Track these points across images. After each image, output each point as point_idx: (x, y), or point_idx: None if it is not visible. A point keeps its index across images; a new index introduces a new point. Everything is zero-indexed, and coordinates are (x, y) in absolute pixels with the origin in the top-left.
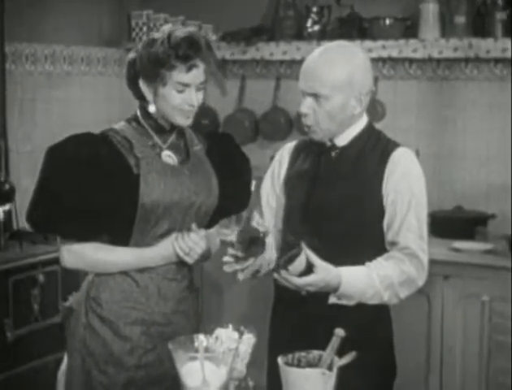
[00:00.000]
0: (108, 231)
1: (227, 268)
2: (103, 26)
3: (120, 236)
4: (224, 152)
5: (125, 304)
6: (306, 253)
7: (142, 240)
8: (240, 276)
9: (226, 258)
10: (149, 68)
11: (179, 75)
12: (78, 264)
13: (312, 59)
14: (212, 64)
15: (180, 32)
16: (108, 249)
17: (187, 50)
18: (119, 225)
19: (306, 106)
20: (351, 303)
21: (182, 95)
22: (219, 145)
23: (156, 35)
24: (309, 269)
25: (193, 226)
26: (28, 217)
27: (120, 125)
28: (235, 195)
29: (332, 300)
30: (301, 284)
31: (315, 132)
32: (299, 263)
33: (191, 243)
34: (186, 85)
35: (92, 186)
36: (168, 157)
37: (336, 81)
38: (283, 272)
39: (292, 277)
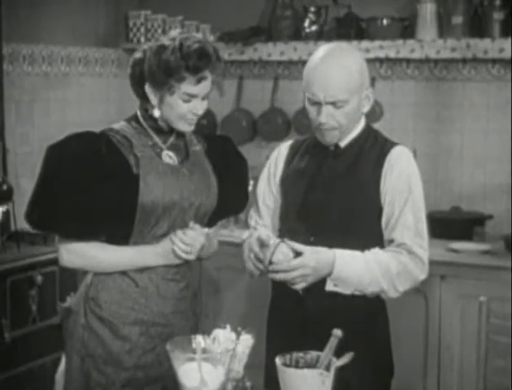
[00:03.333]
0: (107, 230)
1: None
2: (100, 26)
3: (119, 236)
4: (223, 154)
5: (124, 304)
6: (290, 244)
7: (142, 239)
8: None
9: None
10: (158, 76)
11: (187, 86)
12: (78, 263)
13: (322, 67)
14: (219, 74)
15: (192, 41)
16: (108, 247)
17: (197, 62)
18: (119, 224)
19: (326, 114)
20: (348, 291)
21: (188, 104)
22: (218, 147)
23: (166, 41)
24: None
25: (191, 223)
26: (27, 215)
27: (120, 125)
28: (233, 197)
29: (329, 287)
30: (292, 267)
31: (334, 136)
32: (283, 255)
33: (189, 240)
34: (193, 96)
35: (92, 185)
36: (168, 157)
37: (353, 85)
38: (270, 267)
39: (283, 263)
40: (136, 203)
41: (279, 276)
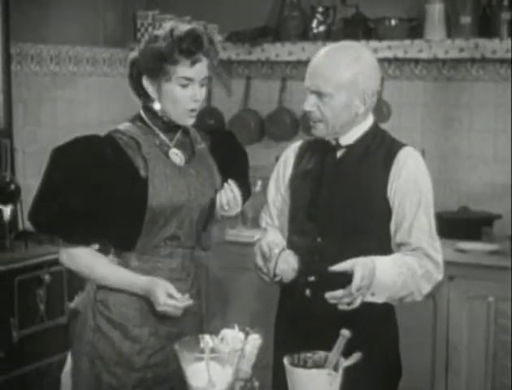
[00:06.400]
0: (112, 233)
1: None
2: (108, 26)
3: (126, 239)
4: (227, 150)
5: (133, 306)
6: (335, 269)
7: (149, 241)
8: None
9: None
10: (153, 64)
11: (182, 69)
12: (72, 266)
13: (318, 58)
14: (215, 59)
15: (183, 27)
16: (102, 260)
17: (190, 45)
18: (125, 228)
19: (310, 103)
20: (382, 299)
21: (186, 91)
22: (222, 143)
23: (158, 32)
24: (347, 277)
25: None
26: (29, 217)
27: (125, 125)
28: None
29: (367, 298)
30: (355, 289)
31: (320, 129)
32: (286, 263)
33: (170, 308)
34: (190, 80)
35: (95, 189)
36: (175, 155)
37: (339, 80)
38: (275, 279)
39: (343, 291)
40: (144, 206)
41: (344, 307)
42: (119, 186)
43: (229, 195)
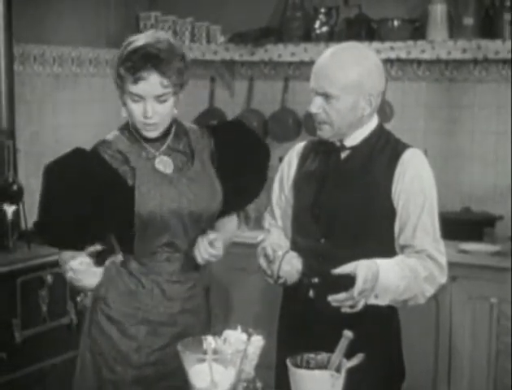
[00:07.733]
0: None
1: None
2: (111, 27)
3: (122, 246)
4: (235, 143)
5: (131, 304)
6: (338, 272)
7: (144, 248)
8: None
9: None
10: (113, 74)
11: (129, 85)
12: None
13: (324, 59)
14: (174, 77)
15: (141, 41)
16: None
17: (136, 62)
18: (118, 237)
19: (316, 105)
20: (385, 302)
21: (138, 106)
22: (228, 137)
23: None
24: (350, 279)
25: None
26: (35, 228)
27: (113, 135)
28: (247, 185)
29: (371, 300)
30: (358, 292)
31: (325, 130)
32: (290, 265)
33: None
34: (139, 96)
35: (85, 202)
36: (162, 164)
37: (345, 82)
38: (279, 281)
39: (345, 294)
40: (132, 214)
41: (346, 310)
42: (106, 196)
43: (209, 251)
